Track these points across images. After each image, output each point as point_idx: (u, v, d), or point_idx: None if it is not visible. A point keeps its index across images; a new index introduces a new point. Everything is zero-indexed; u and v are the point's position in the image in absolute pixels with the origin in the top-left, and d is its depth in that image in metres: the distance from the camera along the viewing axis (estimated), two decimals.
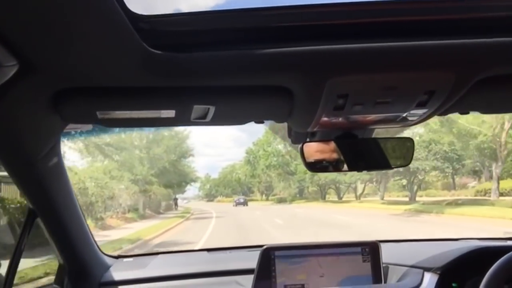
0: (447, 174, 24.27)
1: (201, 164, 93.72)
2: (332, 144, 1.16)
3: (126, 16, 0.64)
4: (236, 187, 51.69)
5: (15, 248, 1.26)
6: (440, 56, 0.76)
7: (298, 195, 37.19)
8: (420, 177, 23.88)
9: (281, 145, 32.47)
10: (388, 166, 1.26)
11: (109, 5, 0.61)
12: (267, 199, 42.97)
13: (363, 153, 1.20)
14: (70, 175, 1.31)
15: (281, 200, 37.25)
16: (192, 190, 58.73)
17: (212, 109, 0.92)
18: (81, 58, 0.74)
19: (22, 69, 0.72)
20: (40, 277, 2.16)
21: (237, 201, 34.93)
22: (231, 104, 0.93)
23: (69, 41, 0.68)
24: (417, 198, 24.08)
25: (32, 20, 0.62)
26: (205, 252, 2.02)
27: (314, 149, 1.17)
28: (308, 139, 1.17)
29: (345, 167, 1.20)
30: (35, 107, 0.88)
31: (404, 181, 25.03)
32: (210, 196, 57.78)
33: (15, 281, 1.25)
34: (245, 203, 33.86)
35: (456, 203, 18.61)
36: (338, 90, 0.82)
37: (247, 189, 50.38)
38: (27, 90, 0.81)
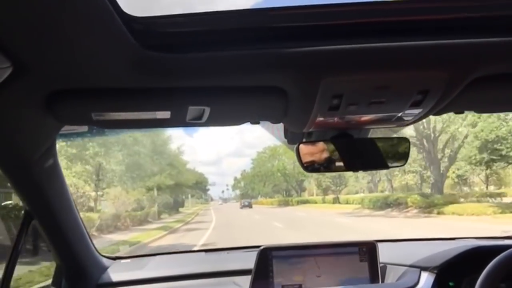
0: None
1: (240, 165, 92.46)
2: (328, 144, 1.16)
3: (119, 18, 0.64)
4: (280, 182, 34.37)
5: (12, 251, 1.25)
6: (432, 56, 0.76)
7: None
8: None
9: None
10: (384, 166, 1.26)
11: (102, 6, 0.61)
12: (335, 201, 26.00)
13: (359, 153, 1.20)
14: None
15: (387, 202, 18.55)
16: (229, 191, 52.72)
17: (207, 110, 0.93)
18: (75, 60, 0.74)
19: (16, 71, 0.72)
20: None
21: (242, 204, 33.98)
22: (226, 105, 0.94)
23: (62, 43, 0.68)
24: None
25: (25, 22, 0.62)
26: (203, 253, 2.02)
27: (310, 149, 1.18)
28: (304, 139, 1.17)
29: (342, 167, 1.20)
30: (30, 109, 0.88)
31: None
32: (246, 196, 43.22)
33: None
34: (250, 206, 32.87)
35: None
36: (332, 90, 0.82)
37: (297, 184, 33.62)
38: (22, 92, 0.81)
